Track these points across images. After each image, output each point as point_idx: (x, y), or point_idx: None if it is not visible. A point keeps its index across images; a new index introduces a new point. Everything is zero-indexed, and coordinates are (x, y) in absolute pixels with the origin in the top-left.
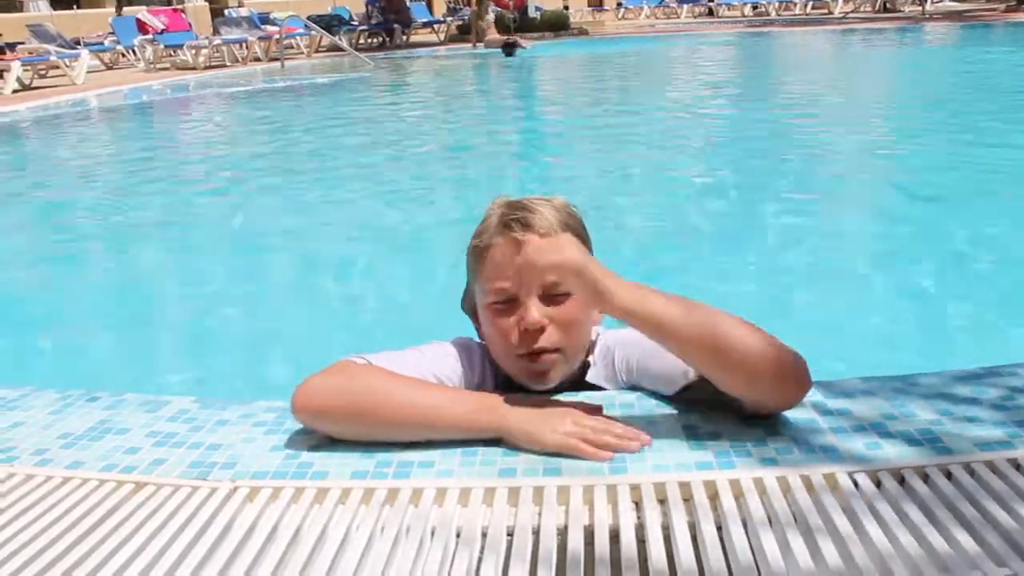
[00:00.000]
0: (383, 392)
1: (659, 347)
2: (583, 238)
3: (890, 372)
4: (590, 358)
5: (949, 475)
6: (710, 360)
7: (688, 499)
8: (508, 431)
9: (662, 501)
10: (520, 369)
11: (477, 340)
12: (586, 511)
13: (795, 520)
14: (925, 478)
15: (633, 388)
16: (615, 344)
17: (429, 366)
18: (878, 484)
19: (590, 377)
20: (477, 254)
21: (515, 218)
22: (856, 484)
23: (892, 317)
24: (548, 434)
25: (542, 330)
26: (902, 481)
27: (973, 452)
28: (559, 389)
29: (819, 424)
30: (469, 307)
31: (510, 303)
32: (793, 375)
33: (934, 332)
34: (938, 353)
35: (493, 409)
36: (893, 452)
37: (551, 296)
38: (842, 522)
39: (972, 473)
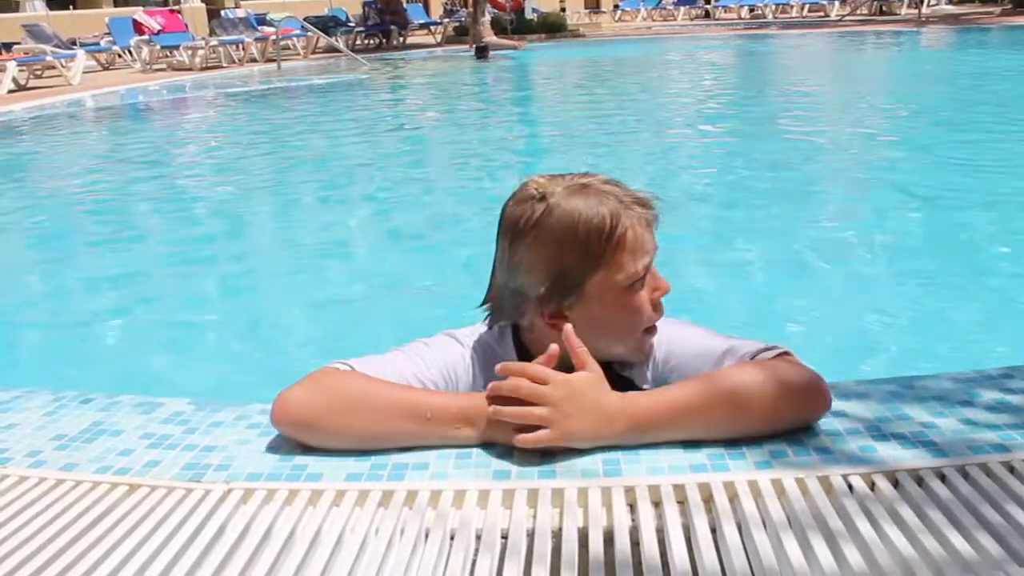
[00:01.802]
0: (362, 404)
1: (701, 349)
2: None
3: (884, 375)
4: None
5: (943, 477)
6: (733, 435)
7: (683, 501)
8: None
9: (656, 503)
10: (640, 343)
11: (464, 337)
12: (580, 513)
13: (789, 522)
14: (919, 481)
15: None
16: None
17: (412, 369)
18: (872, 487)
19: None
20: (605, 238)
21: (634, 198)
22: (850, 487)
23: (899, 319)
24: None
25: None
26: (896, 484)
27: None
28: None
29: (814, 427)
30: (553, 305)
31: (641, 280)
32: (817, 407)
33: (946, 334)
34: (942, 356)
35: (477, 416)
36: (891, 454)
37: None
38: (835, 523)
39: (989, 473)
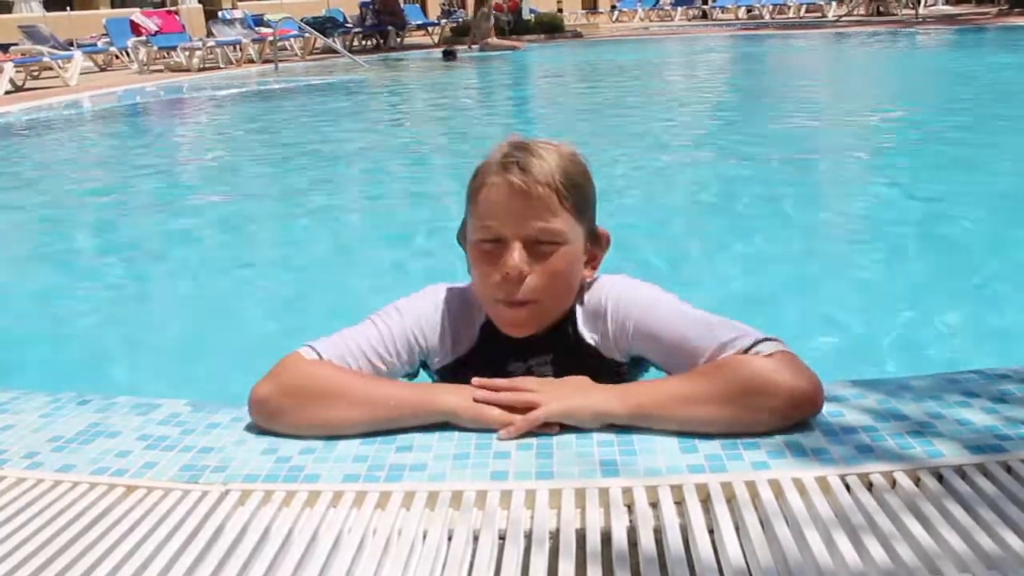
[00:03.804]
0: (327, 397)
1: (669, 314)
2: (585, 191)
3: (884, 375)
4: (578, 307)
5: (940, 477)
6: (724, 430)
7: (680, 502)
8: (454, 412)
9: (654, 504)
10: (498, 316)
11: (448, 291)
12: (578, 514)
13: (787, 522)
14: (916, 480)
15: (634, 359)
16: (612, 296)
17: (373, 342)
18: (869, 486)
19: (580, 327)
20: (474, 188)
21: (515, 160)
22: (848, 487)
23: (912, 316)
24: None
25: (522, 279)
26: (893, 484)
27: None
28: (539, 339)
29: (811, 427)
30: (463, 239)
31: (497, 244)
32: (808, 411)
33: (948, 335)
34: (941, 356)
35: (437, 398)
36: (886, 454)
37: (539, 244)
38: (832, 523)
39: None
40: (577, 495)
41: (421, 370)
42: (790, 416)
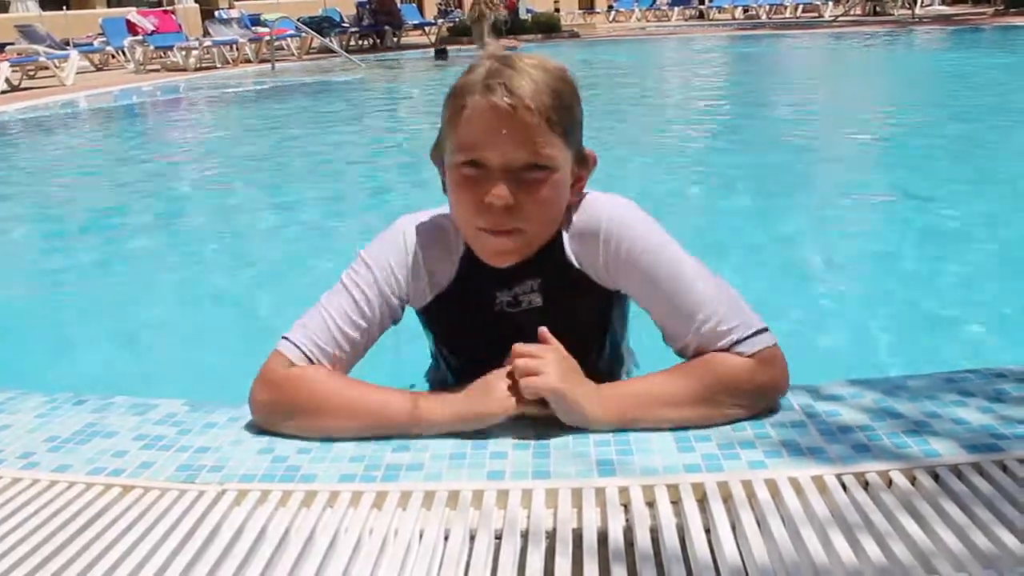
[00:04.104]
0: (319, 413)
1: (671, 265)
2: (575, 112)
3: (877, 375)
4: (564, 229)
5: (936, 476)
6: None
7: (677, 501)
8: (455, 421)
9: (651, 503)
10: (480, 245)
11: (427, 214)
12: (574, 513)
13: (783, 522)
14: (913, 480)
15: (618, 292)
16: (608, 219)
17: (348, 313)
18: (865, 486)
19: (568, 251)
20: (454, 108)
21: (501, 80)
22: (844, 486)
23: (897, 318)
24: (493, 404)
25: (508, 208)
26: (890, 484)
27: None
28: (525, 265)
29: (807, 426)
30: (438, 158)
31: (478, 169)
32: (774, 400)
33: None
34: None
35: (424, 410)
36: (884, 453)
37: (526, 171)
38: (829, 522)
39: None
40: (574, 494)
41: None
42: (757, 409)
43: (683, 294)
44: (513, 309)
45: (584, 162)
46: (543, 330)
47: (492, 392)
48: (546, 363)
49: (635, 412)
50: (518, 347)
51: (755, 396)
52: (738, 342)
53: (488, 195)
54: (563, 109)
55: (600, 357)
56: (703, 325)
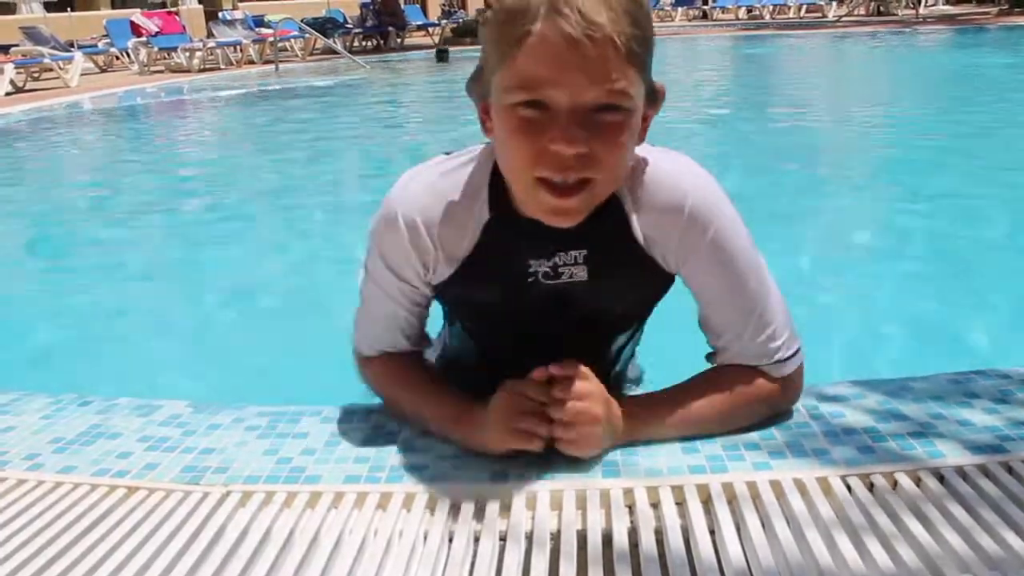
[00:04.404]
0: (394, 405)
1: (746, 273)
2: (651, 38)
3: (880, 375)
4: (627, 199)
5: (941, 478)
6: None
7: (681, 502)
8: (474, 446)
9: (655, 505)
10: (537, 200)
11: (433, 166)
12: (579, 515)
13: (788, 523)
14: (917, 481)
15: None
16: (697, 195)
17: (397, 311)
18: (870, 487)
19: (632, 218)
20: (508, 35)
21: (573, 6)
22: (849, 488)
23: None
24: (493, 442)
25: (579, 156)
26: (895, 485)
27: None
28: (572, 231)
29: (812, 428)
30: (479, 94)
31: (541, 112)
32: (791, 401)
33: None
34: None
35: (463, 429)
36: (888, 455)
37: (598, 112)
38: (834, 524)
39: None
40: (578, 496)
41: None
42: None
43: (750, 295)
44: (550, 281)
45: (655, 99)
46: (572, 365)
47: (496, 428)
48: (595, 426)
49: (665, 434)
50: (557, 393)
51: (771, 414)
52: (778, 362)
53: (554, 141)
54: (644, 36)
55: (625, 349)
56: (759, 333)
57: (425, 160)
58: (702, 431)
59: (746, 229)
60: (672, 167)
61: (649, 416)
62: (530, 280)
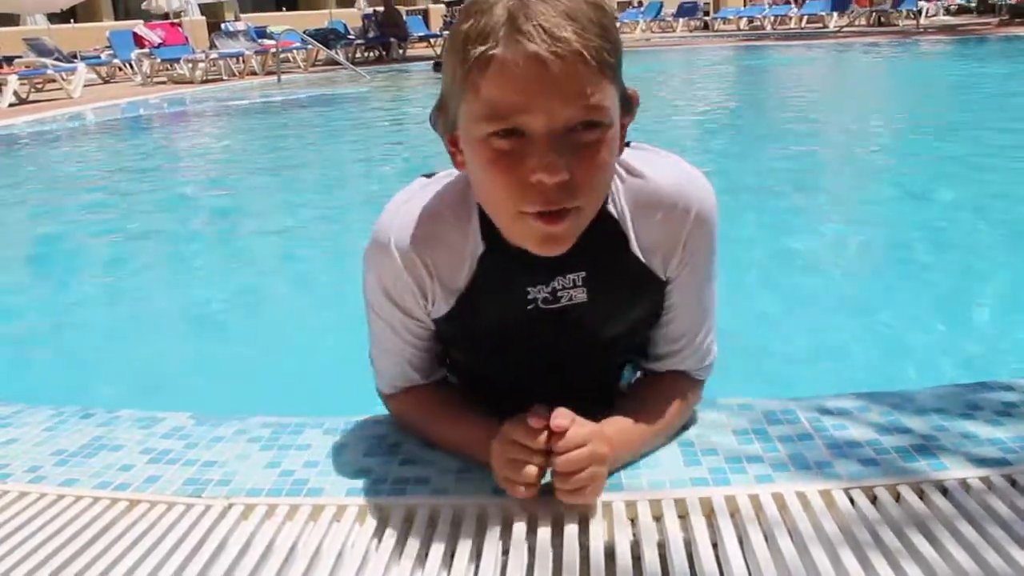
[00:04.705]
0: (424, 438)
1: (708, 285)
2: (619, 45)
3: (883, 388)
4: (617, 206)
5: (944, 491)
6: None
7: (684, 515)
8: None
9: (658, 517)
10: (525, 233)
11: (416, 193)
12: (581, 528)
13: (791, 536)
14: (921, 494)
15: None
16: (696, 194)
17: (405, 342)
18: (873, 500)
19: (629, 229)
20: (470, 62)
21: (533, 21)
22: (852, 501)
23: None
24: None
25: (561, 184)
26: (898, 498)
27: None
28: (568, 254)
29: (814, 440)
30: (445, 127)
31: (516, 140)
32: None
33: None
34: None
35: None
36: (891, 468)
37: (575, 132)
38: (837, 537)
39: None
40: (580, 510)
41: None
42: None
43: (711, 299)
44: (549, 306)
45: (629, 105)
46: (565, 415)
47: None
48: (598, 476)
49: (635, 454)
50: (561, 457)
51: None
52: (709, 365)
53: (534, 172)
54: (612, 45)
55: (626, 368)
56: (707, 338)
57: (408, 184)
58: (656, 446)
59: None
60: (673, 171)
61: (627, 443)
62: (529, 307)
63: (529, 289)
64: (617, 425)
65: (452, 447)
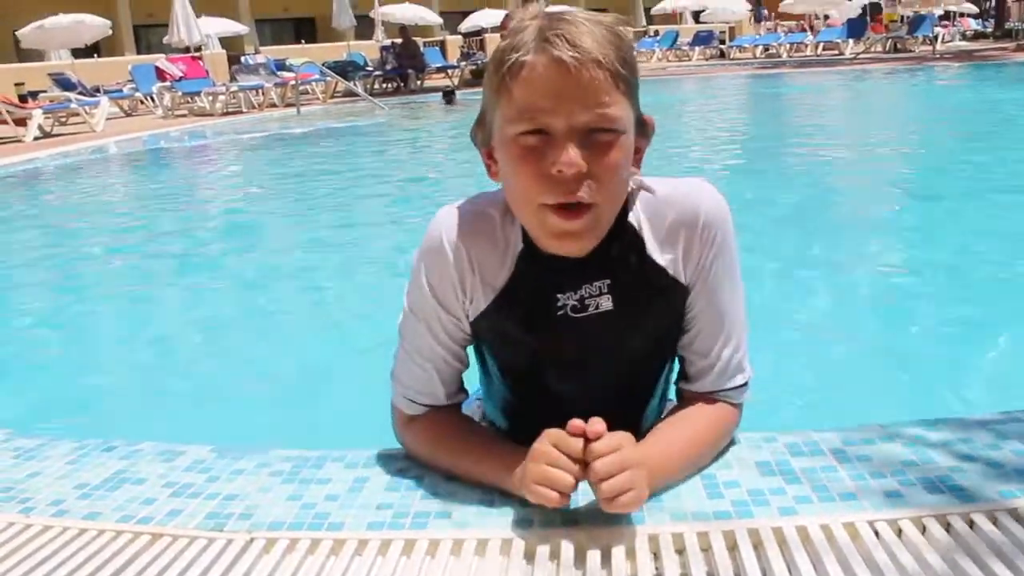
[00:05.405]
0: (440, 464)
1: (732, 292)
2: (636, 68)
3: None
4: (638, 213)
5: (971, 523)
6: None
7: (707, 549)
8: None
9: (680, 551)
10: (545, 226)
11: (467, 205)
12: (604, 560)
13: (815, 570)
14: (947, 527)
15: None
16: (708, 207)
17: (437, 352)
18: (899, 533)
19: (648, 240)
20: (504, 72)
21: (558, 32)
22: (876, 533)
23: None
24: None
25: (580, 177)
26: (924, 530)
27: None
28: (592, 259)
29: (838, 472)
30: (483, 139)
31: (541, 138)
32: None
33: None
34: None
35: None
36: (917, 499)
37: (593, 134)
38: (863, 571)
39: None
40: (603, 542)
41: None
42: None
43: (738, 314)
44: (578, 314)
45: (644, 129)
46: (598, 422)
47: (523, 482)
48: (637, 481)
49: (676, 476)
50: (596, 460)
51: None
52: (741, 387)
53: (555, 163)
54: (628, 64)
55: (661, 383)
56: (734, 354)
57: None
58: (694, 469)
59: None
60: (685, 184)
61: (662, 463)
62: (559, 314)
63: (559, 296)
64: (651, 445)
65: (471, 472)
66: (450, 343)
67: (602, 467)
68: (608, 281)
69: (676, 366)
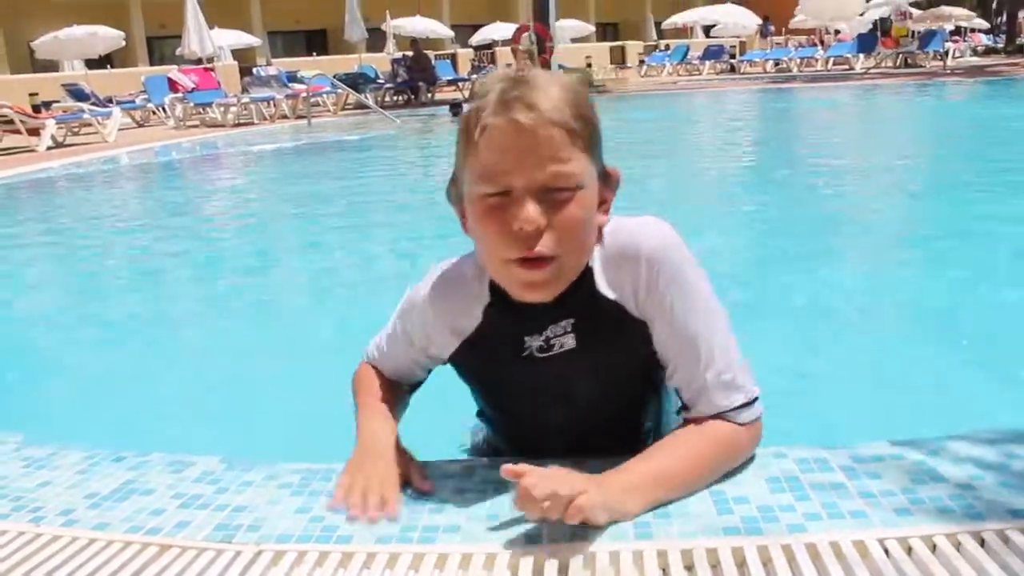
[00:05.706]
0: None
1: (701, 313)
2: (596, 125)
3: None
4: (596, 257)
5: (982, 542)
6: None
7: (715, 565)
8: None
9: (689, 567)
10: (511, 278)
11: (453, 261)
12: None
13: None
14: (958, 545)
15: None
16: (648, 242)
17: (407, 356)
18: (909, 551)
19: (598, 281)
20: (469, 135)
21: (517, 96)
22: (886, 551)
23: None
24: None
25: (539, 233)
26: (933, 548)
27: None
28: (555, 303)
29: (848, 489)
30: (455, 197)
31: (503, 198)
32: (753, 449)
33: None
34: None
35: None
36: (927, 517)
37: (552, 191)
38: None
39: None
40: (611, 558)
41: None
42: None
43: (707, 336)
44: (544, 354)
45: (608, 181)
46: (517, 469)
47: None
48: (562, 488)
49: (663, 497)
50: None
51: (738, 463)
52: (743, 406)
53: (516, 220)
54: (585, 121)
55: (650, 410)
56: (720, 375)
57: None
58: (685, 493)
59: (702, 271)
60: (630, 220)
61: (650, 471)
62: (525, 355)
63: (526, 338)
64: (640, 463)
65: (358, 415)
66: (421, 358)
67: (525, 483)
68: (573, 320)
69: (671, 394)
